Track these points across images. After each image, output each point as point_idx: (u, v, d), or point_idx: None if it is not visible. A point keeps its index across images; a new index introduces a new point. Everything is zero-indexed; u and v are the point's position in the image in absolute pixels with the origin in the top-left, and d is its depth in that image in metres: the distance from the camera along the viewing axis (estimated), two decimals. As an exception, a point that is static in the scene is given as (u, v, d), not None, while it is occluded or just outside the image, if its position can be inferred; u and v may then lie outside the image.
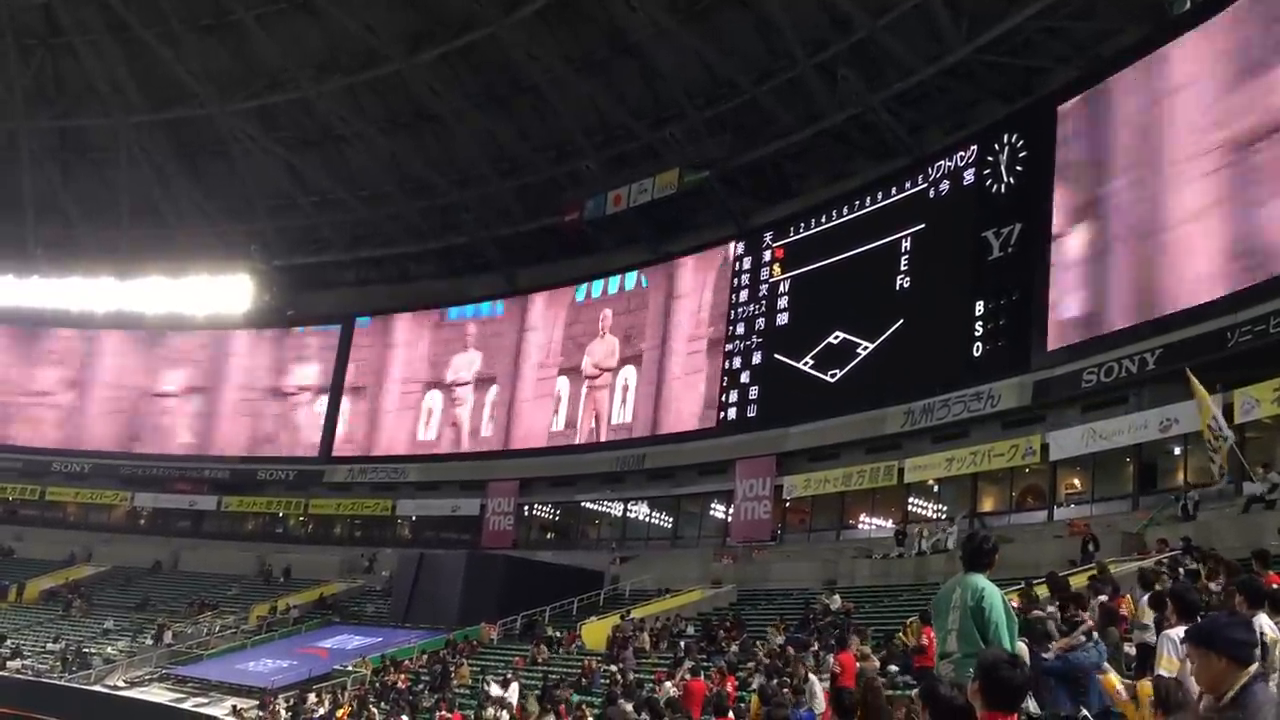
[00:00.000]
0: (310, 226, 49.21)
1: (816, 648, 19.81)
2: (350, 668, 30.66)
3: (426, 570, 36.31)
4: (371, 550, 44.59)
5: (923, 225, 31.91)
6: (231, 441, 50.53)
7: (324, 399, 49.38)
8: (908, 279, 31.95)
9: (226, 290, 50.43)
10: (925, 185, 32.25)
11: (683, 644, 25.40)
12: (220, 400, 51.59)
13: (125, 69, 44.92)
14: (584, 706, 19.84)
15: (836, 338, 33.42)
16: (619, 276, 42.52)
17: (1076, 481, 28.18)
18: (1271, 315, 21.59)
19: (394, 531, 46.75)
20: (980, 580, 6.40)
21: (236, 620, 39.45)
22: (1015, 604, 11.22)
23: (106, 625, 40.55)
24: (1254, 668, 3.79)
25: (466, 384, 45.91)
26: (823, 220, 35.47)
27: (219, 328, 51.61)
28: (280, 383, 50.80)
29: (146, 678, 34.53)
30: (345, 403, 48.81)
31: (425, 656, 30.19)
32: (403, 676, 27.85)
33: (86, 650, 37.10)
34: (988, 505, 30.21)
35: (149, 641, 37.92)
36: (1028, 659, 10.18)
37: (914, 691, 11.12)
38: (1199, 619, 7.14)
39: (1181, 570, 14.97)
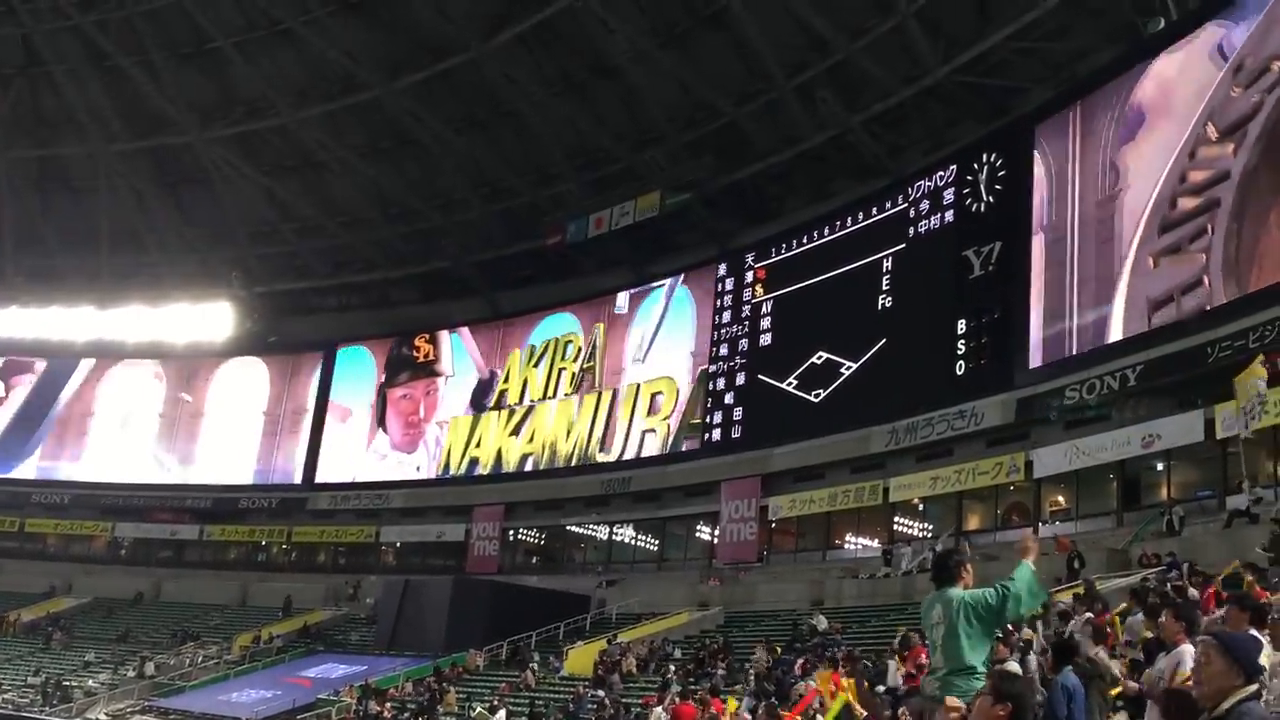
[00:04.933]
0: (291, 253, 49.08)
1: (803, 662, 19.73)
2: (335, 697, 30.37)
3: (411, 597, 36.07)
4: (356, 577, 44.27)
5: (903, 245, 32.06)
6: (213, 469, 50.18)
7: (307, 425, 49.13)
8: (889, 298, 32.07)
9: (208, 318, 50.31)
10: (905, 205, 32.40)
11: (670, 667, 25.28)
12: (202, 428, 51.27)
13: (105, 98, 44.74)
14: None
15: (820, 358, 33.47)
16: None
17: (1061, 498, 28.27)
18: (1250, 330, 21.74)
19: (378, 558, 46.42)
20: (956, 592, 6.41)
21: (219, 651, 39.03)
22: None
23: (88, 657, 40.03)
24: (1254, 687, 3.87)
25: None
26: (804, 241, 35.58)
27: (200, 355, 51.37)
28: (263, 409, 50.50)
29: (129, 710, 34.10)
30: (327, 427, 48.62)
31: (410, 684, 29.94)
32: (387, 705, 27.57)
33: (67, 683, 36.62)
34: (973, 523, 30.23)
35: (131, 674, 37.49)
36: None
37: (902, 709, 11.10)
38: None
39: (1169, 585, 15.00)
